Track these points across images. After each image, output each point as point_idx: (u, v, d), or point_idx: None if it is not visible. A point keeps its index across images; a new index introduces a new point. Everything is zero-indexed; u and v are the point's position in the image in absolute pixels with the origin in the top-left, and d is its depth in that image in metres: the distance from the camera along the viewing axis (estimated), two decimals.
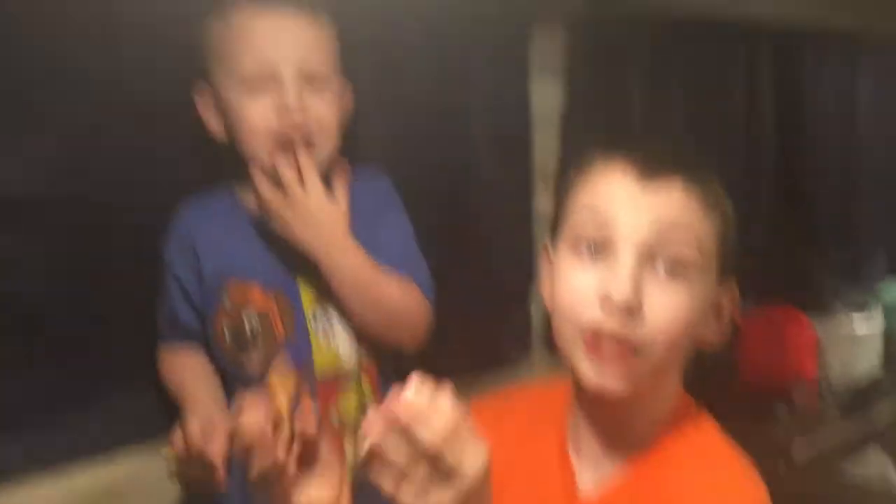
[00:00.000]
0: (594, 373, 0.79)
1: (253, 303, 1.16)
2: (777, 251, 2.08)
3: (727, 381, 1.93)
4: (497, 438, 0.84)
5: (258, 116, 1.11)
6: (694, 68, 1.87)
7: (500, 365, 1.69)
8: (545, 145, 1.68)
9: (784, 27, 1.95)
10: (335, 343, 1.18)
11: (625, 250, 0.77)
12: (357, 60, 1.27)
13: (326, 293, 1.15)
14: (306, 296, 1.17)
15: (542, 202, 1.66)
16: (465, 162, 1.54)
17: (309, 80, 1.12)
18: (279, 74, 1.10)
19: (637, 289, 0.76)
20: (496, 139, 1.57)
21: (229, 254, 1.17)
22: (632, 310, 0.76)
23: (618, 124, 1.74)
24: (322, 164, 1.15)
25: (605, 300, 0.76)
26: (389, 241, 1.19)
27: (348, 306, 1.15)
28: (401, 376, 1.28)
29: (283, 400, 0.80)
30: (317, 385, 1.16)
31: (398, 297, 1.15)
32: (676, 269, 0.78)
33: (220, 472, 1.02)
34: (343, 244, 1.11)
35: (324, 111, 1.13)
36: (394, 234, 1.21)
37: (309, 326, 1.17)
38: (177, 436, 1.05)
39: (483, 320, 1.61)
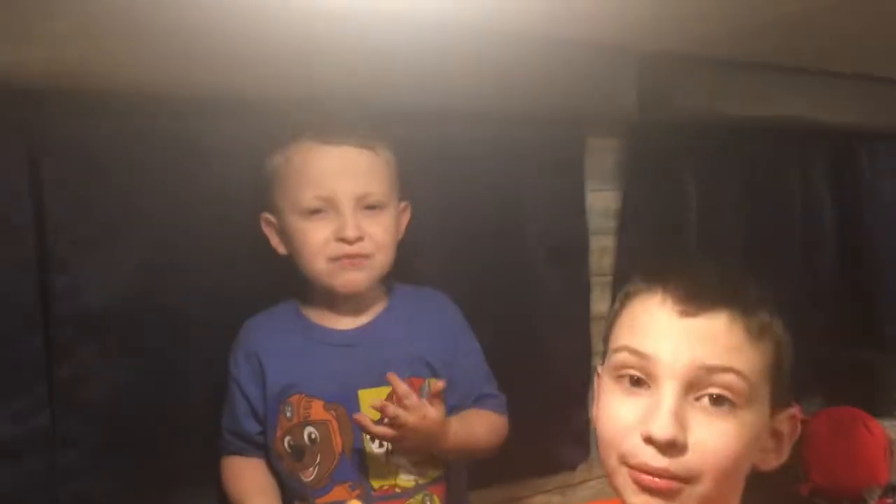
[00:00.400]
0: (639, 501, 0.78)
1: (314, 416, 1.18)
2: (844, 353, 2.04)
3: (797, 483, 1.89)
4: None
5: (318, 242, 1.16)
6: (749, 172, 1.88)
7: (558, 468, 1.68)
8: (602, 249, 1.71)
9: (840, 129, 1.96)
10: (395, 461, 1.20)
11: (666, 385, 0.77)
12: (415, 177, 1.33)
13: None
14: (366, 412, 1.18)
15: (599, 306, 1.68)
16: (524, 269, 1.57)
17: (366, 207, 1.17)
18: (337, 204, 1.15)
19: (680, 425, 0.75)
20: (553, 246, 1.60)
21: (294, 370, 1.20)
22: (675, 446, 0.75)
23: (673, 228, 1.75)
24: (377, 277, 1.21)
25: (647, 438, 0.76)
26: (470, 370, 1.28)
27: (444, 459, 1.23)
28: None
29: None
30: (373, 500, 1.18)
31: (485, 436, 1.26)
32: (722, 402, 0.77)
33: None
34: (445, 436, 1.18)
35: (380, 234, 1.18)
36: (472, 361, 1.29)
37: (366, 442, 1.19)
38: None
39: (542, 424, 1.61)
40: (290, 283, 1.25)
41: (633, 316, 0.82)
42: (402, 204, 1.26)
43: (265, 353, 1.21)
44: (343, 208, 1.15)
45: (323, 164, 1.16)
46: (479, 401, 1.28)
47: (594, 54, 1.51)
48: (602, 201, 1.71)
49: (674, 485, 0.76)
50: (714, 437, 0.76)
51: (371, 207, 1.18)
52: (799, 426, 0.85)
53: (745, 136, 1.85)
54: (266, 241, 1.22)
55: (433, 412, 1.14)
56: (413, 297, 1.29)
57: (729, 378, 0.76)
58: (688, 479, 0.76)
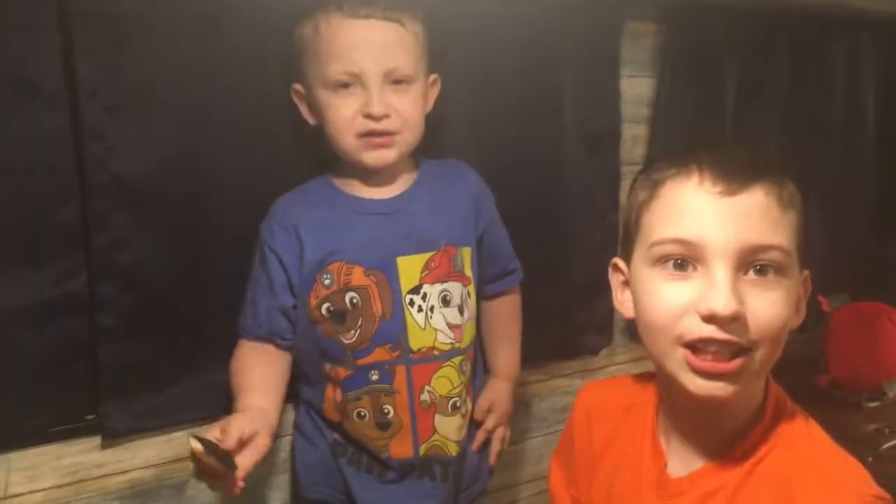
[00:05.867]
0: (700, 384, 0.81)
1: (355, 282, 1.21)
2: (876, 250, 2.03)
3: (817, 375, 1.90)
4: (600, 418, 0.94)
5: (345, 117, 1.17)
6: (791, 63, 1.82)
7: (582, 353, 1.72)
8: (634, 138, 1.68)
9: (888, 19, 1.88)
10: (433, 324, 1.23)
11: (717, 264, 0.79)
12: (447, 58, 1.32)
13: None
14: (405, 278, 1.21)
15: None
16: (553, 153, 1.55)
17: (393, 81, 1.17)
18: (364, 79, 1.15)
19: (738, 298, 0.78)
20: (585, 131, 1.58)
21: (332, 239, 1.22)
22: (738, 319, 0.78)
23: (709, 119, 1.71)
24: (406, 152, 1.23)
25: (710, 316, 0.78)
26: (501, 238, 1.37)
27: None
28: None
29: None
30: (412, 363, 1.22)
31: (519, 328, 1.44)
32: (768, 272, 0.80)
33: (239, 483, 1.04)
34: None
35: (407, 109, 1.19)
36: (500, 229, 1.36)
37: (405, 307, 1.22)
38: (211, 432, 1.05)
39: (567, 310, 1.63)
40: (322, 153, 1.25)
41: (670, 203, 0.83)
42: (432, 77, 1.26)
43: (302, 226, 1.22)
44: (370, 83, 1.15)
45: (350, 38, 1.15)
46: (508, 276, 1.38)
47: None
48: (636, 88, 1.66)
49: (735, 357, 0.79)
50: (766, 306, 0.80)
51: (398, 82, 1.17)
52: (811, 285, 0.88)
53: (789, 24, 1.78)
54: (297, 111, 1.23)
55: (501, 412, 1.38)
56: (440, 169, 1.31)
57: (774, 254, 0.80)
58: (748, 348, 0.79)
